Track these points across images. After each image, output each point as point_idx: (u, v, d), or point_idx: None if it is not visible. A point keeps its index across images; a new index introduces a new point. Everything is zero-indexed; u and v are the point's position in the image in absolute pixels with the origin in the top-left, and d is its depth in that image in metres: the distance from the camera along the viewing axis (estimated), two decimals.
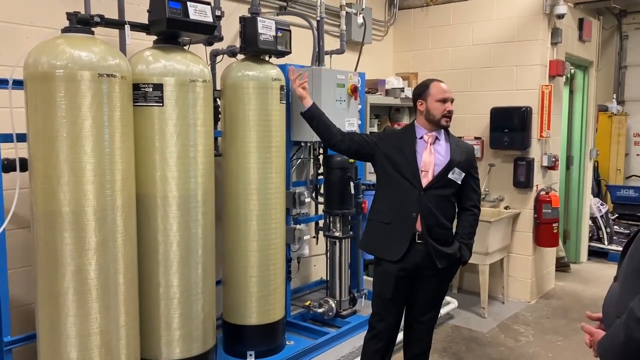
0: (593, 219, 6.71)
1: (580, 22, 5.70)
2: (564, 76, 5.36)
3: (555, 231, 5.07)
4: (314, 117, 3.02)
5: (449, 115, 2.90)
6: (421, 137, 2.93)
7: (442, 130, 2.97)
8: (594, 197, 6.80)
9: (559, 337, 4.40)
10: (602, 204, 6.81)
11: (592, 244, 6.71)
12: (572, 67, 5.91)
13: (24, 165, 2.53)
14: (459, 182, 2.91)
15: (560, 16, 4.95)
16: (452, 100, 2.92)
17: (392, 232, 2.90)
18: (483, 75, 5.23)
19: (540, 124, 4.95)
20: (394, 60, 5.81)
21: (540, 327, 4.59)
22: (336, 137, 3.00)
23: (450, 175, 2.87)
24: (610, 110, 7.40)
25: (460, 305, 4.82)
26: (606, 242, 6.72)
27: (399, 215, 2.87)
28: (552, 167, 5.18)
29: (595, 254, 6.65)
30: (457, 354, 4.05)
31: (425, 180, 2.85)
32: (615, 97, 7.73)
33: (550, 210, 4.99)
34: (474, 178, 3.01)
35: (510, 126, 4.96)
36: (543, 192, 5.06)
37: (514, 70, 5.05)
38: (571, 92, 6.29)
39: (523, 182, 5.00)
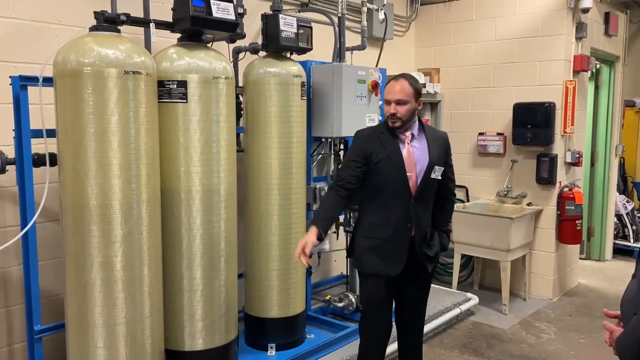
0: (618, 216, 6.61)
1: (607, 16, 5.61)
2: (589, 71, 5.28)
3: (578, 228, 5.01)
4: (325, 219, 2.72)
5: (392, 117, 2.70)
6: (397, 137, 2.78)
7: (417, 124, 2.80)
8: (619, 194, 6.69)
9: (582, 334, 4.35)
10: (627, 201, 6.69)
11: (617, 241, 6.61)
12: (597, 62, 5.81)
13: (53, 160, 2.62)
14: (440, 178, 2.82)
15: (586, 10, 4.87)
16: (400, 102, 2.67)
17: (389, 248, 2.76)
18: (506, 71, 5.18)
19: (564, 120, 4.89)
20: (415, 55, 5.79)
21: (562, 324, 4.55)
22: (343, 200, 2.73)
23: (432, 175, 2.78)
24: (638, 105, 7.25)
25: (481, 302, 4.81)
26: (632, 240, 6.61)
27: (394, 229, 2.75)
28: (575, 163, 5.12)
29: (621, 252, 6.57)
30: (477, 350, 4.04)
31: (411, 183, 2.74)
32: None
33: (573, 207, 4.94)
34: (449, 167, 2.89)
35: (533, 122, 4.90)
36: (566, 189, 5.01)
37: (537, 65, 4.99)
38: (596, 88, 6.19)
39: (546, 178, 4.95)
